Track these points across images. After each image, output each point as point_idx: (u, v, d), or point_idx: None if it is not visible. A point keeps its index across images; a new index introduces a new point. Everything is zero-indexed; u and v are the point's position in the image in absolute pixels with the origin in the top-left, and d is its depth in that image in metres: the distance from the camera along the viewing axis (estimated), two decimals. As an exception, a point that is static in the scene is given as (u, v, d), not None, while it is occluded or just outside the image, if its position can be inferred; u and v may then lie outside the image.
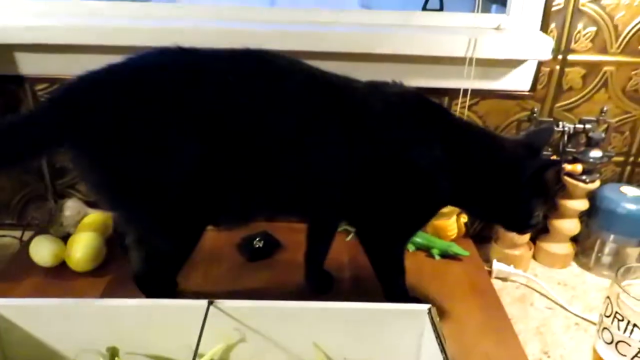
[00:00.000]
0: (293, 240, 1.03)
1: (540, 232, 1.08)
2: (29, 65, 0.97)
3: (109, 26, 0.92)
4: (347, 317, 0.64)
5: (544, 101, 1.00)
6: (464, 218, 1.05)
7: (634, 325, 0.66)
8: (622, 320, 0.67)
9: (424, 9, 1.42)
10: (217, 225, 0.79)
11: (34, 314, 0.63)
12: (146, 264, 0.75)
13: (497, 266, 0.99)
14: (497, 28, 0.96)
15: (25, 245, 0.98)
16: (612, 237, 1.00)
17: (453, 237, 1.04)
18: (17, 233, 1.06)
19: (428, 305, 0.63)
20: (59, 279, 0.91)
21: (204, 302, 0.62)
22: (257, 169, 0.68)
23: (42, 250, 0.92)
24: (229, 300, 0.63)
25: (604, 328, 0.71)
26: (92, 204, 1.08)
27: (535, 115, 0.97)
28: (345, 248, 1.02)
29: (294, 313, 0.64)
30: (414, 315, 0.64)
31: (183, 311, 0.63)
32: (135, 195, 0.67)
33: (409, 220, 0.78)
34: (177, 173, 0.66)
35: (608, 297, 0.70)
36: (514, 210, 0.73)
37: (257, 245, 1.00)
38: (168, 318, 0.63)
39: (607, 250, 1.02)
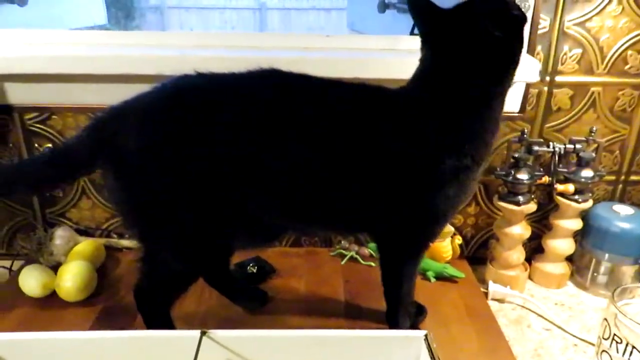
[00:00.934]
0: (286, 265, 1.02)
1: (535, 252, 1.07)
2: (17, 95, 0.97)
3: (97, 55, 0.92)
4: (343, 345, 0.63)
5: (534, 122, 1.01)
6: (459, 240, 1.05)
7: (633, 347, 0.66)
8: (621, 342, 0.67)
9: (412, 33, 1.44)
10: (234, 246, 0.80)
11: (21, 347, 0.62)
12: (151, 281, 0.76)
13: (493, 287, 0.98)
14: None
15: (14, 275, 0.96)
16: (606, 256, 0.99)
17: (448, 259, 1.03)
18: (7, 263, 1.04)
19: (424, 332, 0.62)
20: (49, 310, 0.89)
21: (196, 333, 0.61)
22: (279, 188, 0.70)
23: (31, 281, 0.90)
24: (222, 330, 0.62)
25: (603, 351, 0.70)
26: (82, 232, 1.07)
27: (525, 135, 0.98)
28: (339, 272, 1.02)
29: (289, 341, 0.63)
30: (410, 342, 0.63)
31: (175, 342, 0.62)
32: (155, 214, 0.70)
33: (439, 212, 0.74)
34: (198, 195, 0.69)
35: (605, 319, 0.69)
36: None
37: (251, 271, 0.99)
38: (160, 349, 0.62)
39: (602, 269, 1.01)
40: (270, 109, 0.68)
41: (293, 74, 0.71)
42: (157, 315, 0.77)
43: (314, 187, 0.70)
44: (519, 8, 0.65)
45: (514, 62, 0.67)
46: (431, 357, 0.60)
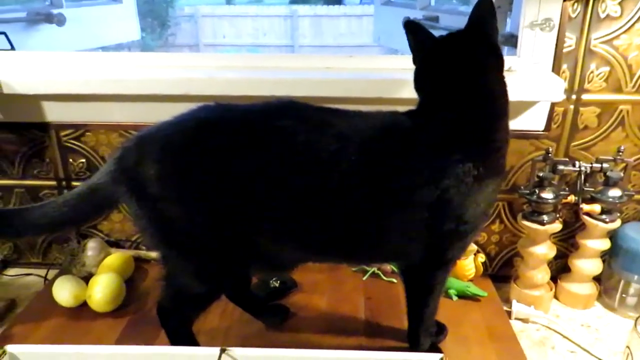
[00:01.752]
0: (309, 280, 1.03)
1: (561, 271, 1.06)
2: (54, 113, 1.02)
3: (129, 76, 0.96)
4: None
5: (559, 140, 1.00)
6: (482, 257, 1.04)
7: (657, 376, 0.64)
8: (644, 370, 0.65)
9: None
10: (250, 271, 0.83)
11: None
12: (173, 300, 0.78)
13: (516, 307, 0.97)
14: (509, 70, 0.97)
15: (49, 284, 1.00)
16: (636, 277, 0.97)
17: (471, 277, 1.03)
18: (42, 271, 1.09)
19: (440, 355, 0.63)
20: (80, 320, 0.93)
21: (216, 350, 0.63)
22: (296, 218, 0.71)
23: (64, 291, 0.95)
24: (242, 349, 0.64)
25: (626, 378, 0.69)
26: (113, 244, 1.11)
27: (550, 154, 0.97)
28: (361, 288, 1.02)
29: (305, 361, 0.64)
30: (426, 365, 0.63)
31: (195, 359, 0.64)
32: (174, 241, 0.73)
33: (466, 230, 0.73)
34: (214, 224, 0.71)
35: (628, 347, 0.68)
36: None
37: (273, 286, 1.00)
38: (181, 366, 0.64)
39: (631, 290, 0.99)
40: (286, 141, 0.69)
41: (309, 105, 0.72)
42: (179, 331, 0.79)
43: (331, 220, 0.70)
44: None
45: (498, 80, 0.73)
46: (446, 383, 0.60)
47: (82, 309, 0.95)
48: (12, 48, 1.19)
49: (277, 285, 1.01)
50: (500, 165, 0.74)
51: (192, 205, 0.70)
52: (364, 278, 1.05)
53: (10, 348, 0.65)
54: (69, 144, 1.05)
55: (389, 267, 1.06)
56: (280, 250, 0.75)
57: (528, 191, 0.96)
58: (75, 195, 0.76)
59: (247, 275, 0.84)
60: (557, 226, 0.95)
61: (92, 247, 1.05)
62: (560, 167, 0.96)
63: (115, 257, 1.03)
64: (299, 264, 0.80)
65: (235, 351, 0.63)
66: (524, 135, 0.99)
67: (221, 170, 0.68)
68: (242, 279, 0.84)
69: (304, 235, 0.73)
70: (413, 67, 0.78)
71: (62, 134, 1.04)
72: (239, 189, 0.69)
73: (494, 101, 0.72)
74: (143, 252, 1.10)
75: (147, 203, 0.70)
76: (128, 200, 0.72)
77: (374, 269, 1.06)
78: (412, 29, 0.74)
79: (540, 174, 0.96)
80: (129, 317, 0.93)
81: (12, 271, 1.13)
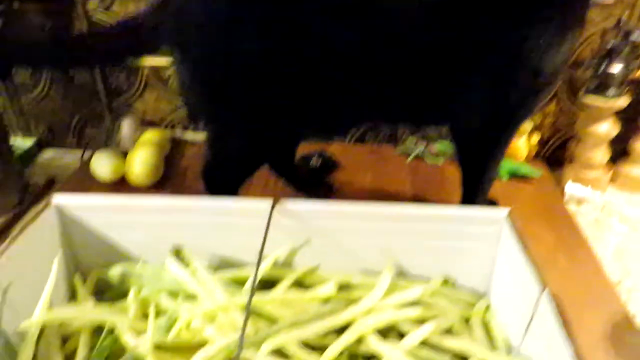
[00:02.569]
0: (350, 161, 0.99)
1: (619, 155, 0.99)
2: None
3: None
4: (419, 222, 0.61)
5: (634, 7, 0.89)
6: (537, 136, 0.98)
7: None
8: None
9: None
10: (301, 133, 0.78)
11: (100, 211, 0.63)
12: (218, 163, 0.74)
13: (571, 188, 0.92)
14: None
15: (87, 160, 0.98)
16: (702, 160, 0.91)
17: (524, 157, 0.97)
18: (78, 152, 1.07)
19: (507, 209, 0.59)
20: (119, 193, 0.91)
21: (268, 202, 0.60)
22: (353, 76, 0.65)
23: (103, 165, 0.92)
24: (294, 200, 0.61)
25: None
26: (148, 124, 1.08)
27: (622, 23, 0.87)
28: (405, 169, 0.98)
29: (361, 215, 0.61)
30: (491, 221, 0.60)
31: (248, 211, 0.61)
32: (221, 97, 0.67)
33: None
34: (264, 76, 0.64)
35: None
36: None
37: (314, 165, 0.97)
38: (233, 218, 0.61)
39: (695, 174, 0.93)
40: None
41: None
42: (226, 194, 0.76)
43: (393, 76, 0.64)
44: None
45: None
46: (515, 235, 0.56)
47: (120, 184, 0.93)
48: None
49: (317, 165, 0.97)
50: (583, 14, 0.66)
51: (241, 64, 0.63)
52: (408, 160, 1.01)
53: (56, 199, 0.63)
54: (96, 18, 0.99)
55: (435, 147, 1.01)
56: (334, 110, 0.70)
57: (594, 63, 0.88)
58: (108, 30, 0.71)
59: (294, 140, 0.79)
60: (622, 102, 0.88)
61: (127, 124, 1.02)
62: (634, 36, 0.87)
63: (153, 133, 1.00)
64: (352, 127, 0.75)
65: (288, 203, 0.60)
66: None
67: (275, 23, 0.61)
68: (289, 142, 0.80)
69: (361, 93, 0.67)
70: None
71: (89, 7, 0.98)
72: (293, 43, 0.62)
73: None
74: (179, 132, 1.07)
75: (192, 54, 0.64)
76: (172, 52, 0.66)
77: (419, 150, 1.01)
78: None
79: (609, 45, 0.87)
80: (168, 191, 0.91)
81: (47, 153, 1.11)
